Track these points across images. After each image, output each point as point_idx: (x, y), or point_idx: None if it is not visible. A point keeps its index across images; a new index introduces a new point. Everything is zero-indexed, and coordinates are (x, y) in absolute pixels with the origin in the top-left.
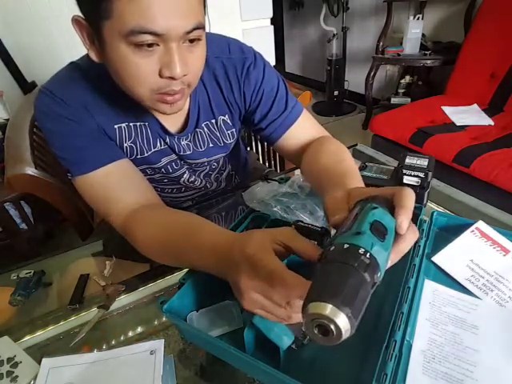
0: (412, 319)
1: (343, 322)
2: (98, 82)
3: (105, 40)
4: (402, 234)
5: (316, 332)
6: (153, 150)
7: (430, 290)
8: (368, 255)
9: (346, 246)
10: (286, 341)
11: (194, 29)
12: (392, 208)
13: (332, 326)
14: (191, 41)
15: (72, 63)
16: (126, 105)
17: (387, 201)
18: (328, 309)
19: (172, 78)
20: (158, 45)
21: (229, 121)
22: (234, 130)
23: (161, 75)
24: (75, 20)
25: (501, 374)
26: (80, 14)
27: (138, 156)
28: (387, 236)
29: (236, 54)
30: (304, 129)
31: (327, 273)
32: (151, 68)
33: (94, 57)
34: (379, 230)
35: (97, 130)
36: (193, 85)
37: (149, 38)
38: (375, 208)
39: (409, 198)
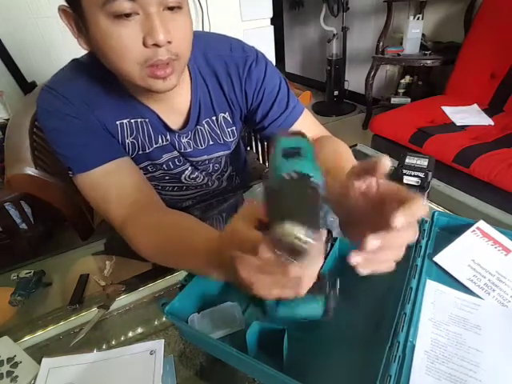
0: (415, 320)
1: (303, 234)
2: (99, 79)
3: (86, 19)
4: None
5: (283, 252)
6: (154, 146)
7: (432, 290)
8: (294, 175)
9: (275, 180)
10: (315, 308)
11: None
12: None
13: (297, 242)
14: (171, 8)
15: (74, 60)
16: (127, 101)
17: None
18: (289, 227)
19: (156, 46)
20: (137, 13)
21: (229, 118)
22: (234, 128)
23: (145, 44)
24: (61, 10)
25: (504, 374)
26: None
27: (140, 152)
28: (303, 153)
29: (238, 53)
30: (305, 128)
31: (275, 200)
32: (134, 38)
33: (83, 44)
34: (292, 153)
35: (98, 127)
36: (181, 57)
37: (126, 6)
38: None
39: (416, 205)
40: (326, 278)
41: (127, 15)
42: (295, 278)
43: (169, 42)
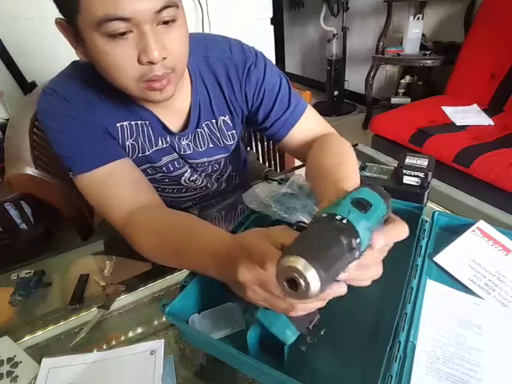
0: (415, 320)
1: (312, 275)
2: (100, 81)
3: (82, 36)
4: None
5: (286, 286)
6: (154, 149)
7: (433, 290)
8: (344, 221)
9: (324, 215)
10: (289, 335)
11: (164, 8)
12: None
13: (301, 280)
14: (166, 22)
15: (75, 62)
16: (128, 103)
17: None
18: (299, 262)
19: (151, 63)
20: (131, 31)
21: (229, 121)
22: (234, 131)
23: (140, 61)
24: (58, 22)
25: (505, 373)
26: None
27: (140, 154)
28: (370, 210)
29: (237, 55)
30: (309, 126)
31: (304, 235)
32: (129, 56)
33: (80, 56)
34: (361, 204)
35: (99, 128)
36: (178, 69)
37: (120, 26)
38: (362, 187)
39: (399, 228)
40: (316, 317)
41: (122, 34)
42: (289, 304)
43: (164, 58)
